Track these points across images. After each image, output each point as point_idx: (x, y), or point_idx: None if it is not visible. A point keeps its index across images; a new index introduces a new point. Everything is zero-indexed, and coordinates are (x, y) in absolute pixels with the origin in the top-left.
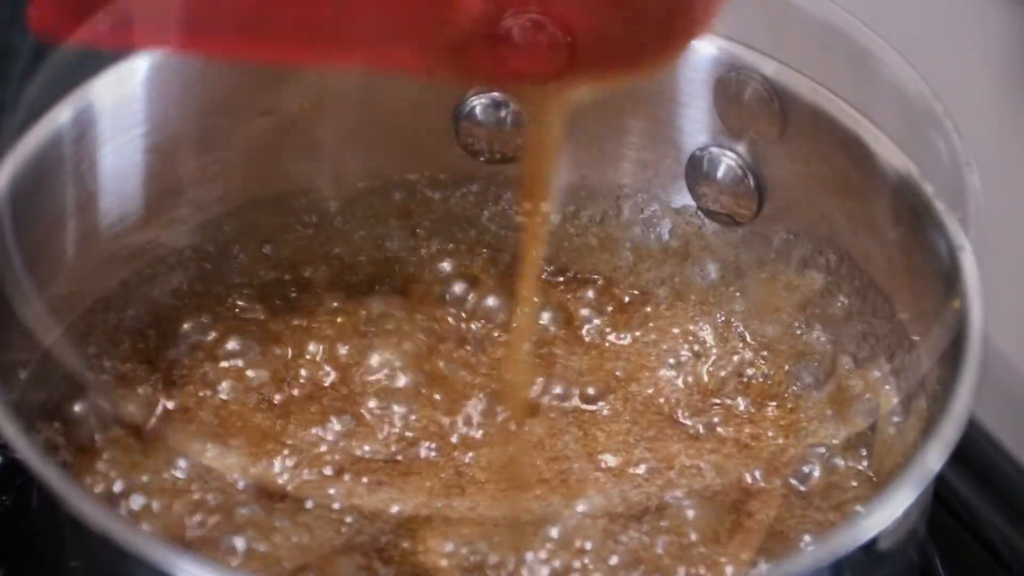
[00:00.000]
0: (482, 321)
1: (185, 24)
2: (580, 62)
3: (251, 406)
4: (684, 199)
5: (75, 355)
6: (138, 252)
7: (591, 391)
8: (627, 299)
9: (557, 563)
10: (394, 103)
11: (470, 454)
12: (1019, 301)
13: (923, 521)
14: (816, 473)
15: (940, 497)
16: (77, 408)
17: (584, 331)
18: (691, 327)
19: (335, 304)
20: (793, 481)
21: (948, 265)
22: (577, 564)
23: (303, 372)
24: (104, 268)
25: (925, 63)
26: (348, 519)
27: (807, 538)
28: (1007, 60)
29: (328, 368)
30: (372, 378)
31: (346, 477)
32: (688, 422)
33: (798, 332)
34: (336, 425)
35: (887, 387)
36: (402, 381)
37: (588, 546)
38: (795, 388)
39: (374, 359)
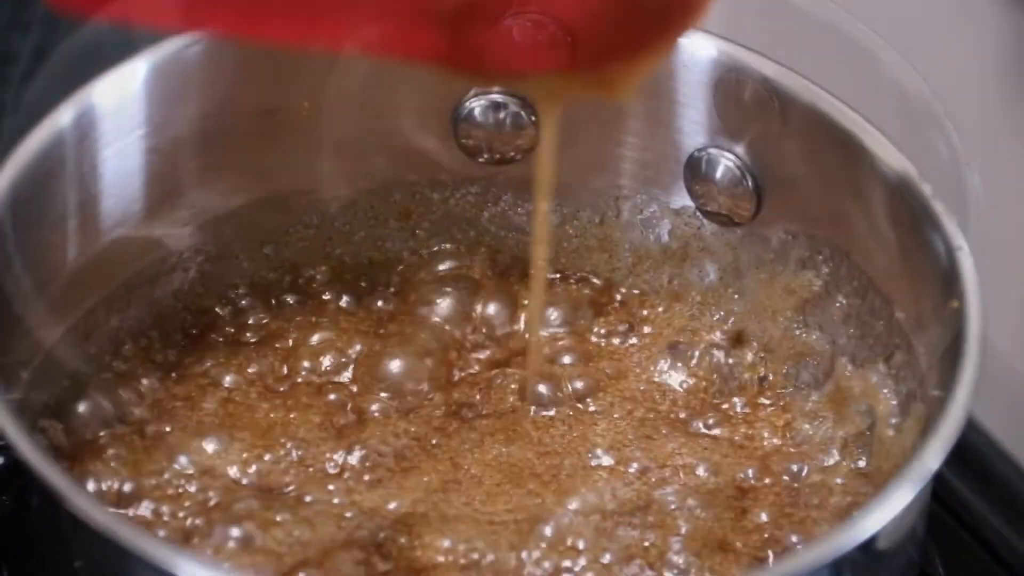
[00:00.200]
0: (482, 321)
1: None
2: (581, 55)
3: (252, 405)
4: (683, 200)
5: (77, 355)
6: (139, 253)
7: (589, 390)
8: (626, 300)
9: (552, 560)
10: (394, 104)
11: (467, 449)
12: (1018, 301)
13: (922, 520)
14: (814, 473)
15: (939, 496)
16: (79, 408)
17: (583, 331)
18: (689, 327)
19: (336, 304)
20: (790, 481)
21: (947, 265)
22: (570, 562)
23: (304, 372)
24: (106, 269)
25: (924, 63)
26: (348, 514)
27: (805, 538)
28: (1006, 60)
29: (329, 368)
30: (372, 377)
31: (346, 474)
32: (685, 422)
33: (796, 332)
34: (337, 423)
35: (885, 387)
36: (402, 380)
37: (582, 544)
38: (793, 388)
39: (374, 359)
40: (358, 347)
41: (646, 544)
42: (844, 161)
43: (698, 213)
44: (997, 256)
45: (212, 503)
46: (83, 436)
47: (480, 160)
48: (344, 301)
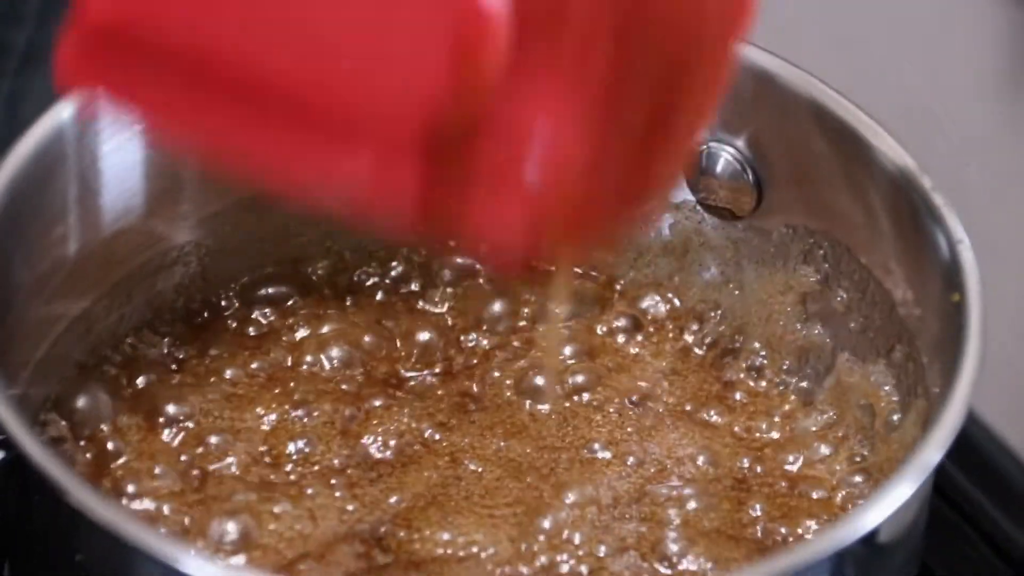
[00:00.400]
0: (485, 314)
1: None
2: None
3: (254, 399)
4: (683, 194)
5: (78, 349)
6: (140, 247)
7: (589, 384)
8: (627, 294)
9: (549, 554)
10: None
11: (468, 443)
12: (1018, 294)
13: (923, 514)
14: (814, 466)
15: (940, 489)
16: (80, 403)
17: (584, 326)
18: (690, 322)
19: (337, 298)
20: (790, 474)
21: (947, 259)
22: (567, 555)
23: (306, 366)
24: (106, 263)
25: (924, 59)
26: (350, 507)
27: (805, 531)
28: (1006, 58)
29: (330, 362)
30: (373, 371)
31: (348, 468)
32: (685, 415)
33: (797, 326)
34: (338, 417)
35: (886, 381)
36: (405, 374)
37: (579, 537)
38: (794, 382)
39: (377, 353)
40: (359, 341)
41: (643, 534)
42: (844, 154)
43: (698, 207)
44: (998, 249)
45: (214, 496)
46: (84, 430)
47: None
48: (345, 295)
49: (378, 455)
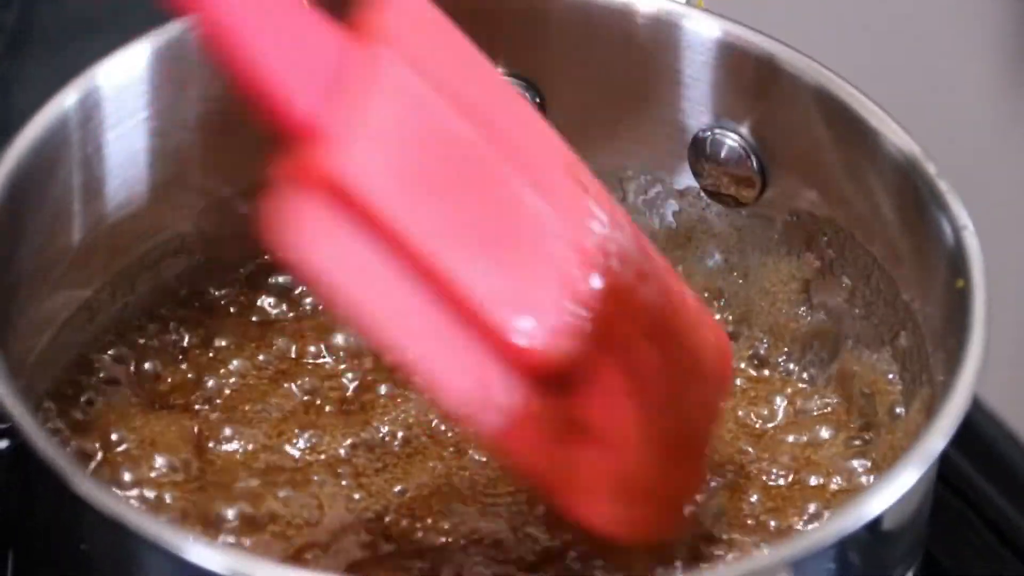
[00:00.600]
0: None
1: None
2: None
3: (259, 388)
4: (687, 180)
5: (81, 338)
6: (144, 236)
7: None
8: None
9: (551, 540)
10: None
11: (472, 433)
12: None
13: (927, 501)
14: (818, 453)
15: (944, 476)
16: (85, 391)
17: None
18: None
19: None
20: (793, 461)
21: (952, 245)
22: (566, 542)
23: (311, 355)
24: (110, 252)
25: (929, 45)
26: (357, 496)
27: (808, 518)
28: (1011, 44)
29: (336, 351)
30: (379, 360)
31: (354, 458)
32: None
33: (801, 313)
34: (344, 406)
35: (891, 368)
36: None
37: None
38: (798, 369)
39: None
40: None
41: None
42: (849, 141)
43: (703, 194)
44: (1003, 235)
45: (218, 484)
46: (88, 419)
47: None
48: None
49: (384, 445)
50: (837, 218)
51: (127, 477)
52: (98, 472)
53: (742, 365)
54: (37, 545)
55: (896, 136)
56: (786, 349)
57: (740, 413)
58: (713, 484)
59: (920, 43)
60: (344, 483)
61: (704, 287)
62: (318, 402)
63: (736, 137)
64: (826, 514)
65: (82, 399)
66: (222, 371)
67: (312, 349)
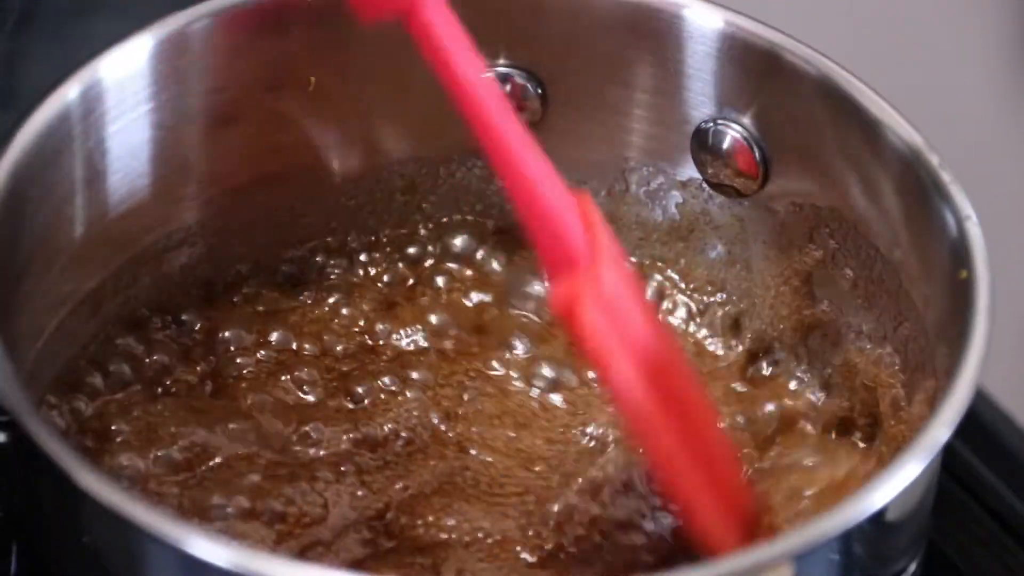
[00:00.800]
0: (491, 296)
1: None
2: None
3: (261, 381)
4: (690, 172)
5: (84, 331)
6: (146, 228)
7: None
8: (634, 272)
9: (555, 539)
10: (402, 79)
11: (476, 432)
12: None
13: (931, 492)
14: (822, 445)
15: (948, 467)
16: (87, 384)
17: None
18: (696, 300)
19: (344, 280)
20: (798, 454)
21: (955, 236)
22: (571, 540)
23: (314, 348)
24: (113, 244)
25: (932, 35)
26: (360, 492)
27: (812, 510)
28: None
29: (338, 344)
30: (381, 356)
31: (356, 455)
32: None
33: (804, 304)
34: (347, 401)
35: (894, 359)
36: (411, 358)
37: (586, 520)
38: (801, 360)
39: (384, 336)
40: (367, 324)
41: (645, 517)
42: (852, 131)
43: (705, 185)
44: (1006, 226)
45: (221, 479)
46: (91, 411)
47: None
48: (352, 276)
49: (386, 442)
50: (839, 209)
51: (127, 470)
52: (98, 465)
53: (746, 355)
54: (41, 538)
55: (899, 127)
56: (790, 340)
57: (742, 406)
58: None
59: (923, 33)
60: (348, 480)
61: (706, 278)
62: (320, 395)
63: (739, 128)
64: (829, 506)
65: (84, 392)
66: (224, 363)
67: (315, 343)
